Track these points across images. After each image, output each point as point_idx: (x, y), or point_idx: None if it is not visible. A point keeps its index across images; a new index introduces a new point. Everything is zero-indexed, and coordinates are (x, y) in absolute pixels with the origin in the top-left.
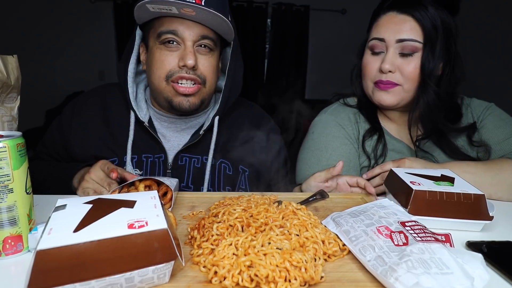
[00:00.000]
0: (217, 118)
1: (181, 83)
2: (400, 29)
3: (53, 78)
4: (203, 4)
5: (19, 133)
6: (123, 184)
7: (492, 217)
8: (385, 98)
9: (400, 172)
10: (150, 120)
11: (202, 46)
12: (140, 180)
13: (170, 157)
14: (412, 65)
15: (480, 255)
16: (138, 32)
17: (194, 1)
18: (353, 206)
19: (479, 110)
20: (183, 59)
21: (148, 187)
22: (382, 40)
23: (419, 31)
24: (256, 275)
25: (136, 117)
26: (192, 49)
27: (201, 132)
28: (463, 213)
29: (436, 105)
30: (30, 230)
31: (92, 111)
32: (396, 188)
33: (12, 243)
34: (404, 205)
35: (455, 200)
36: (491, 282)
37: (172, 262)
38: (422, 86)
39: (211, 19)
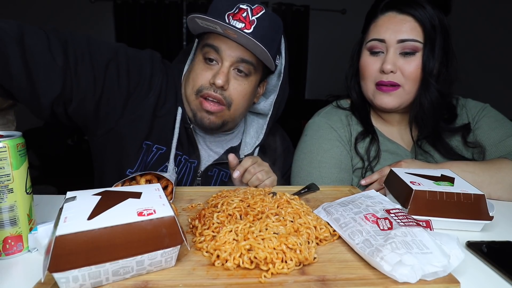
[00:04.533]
0: (257, 148)
1: (208, 98)
2: (400, 29)
3: None
4: (251, 30)
5: (19, 133)
6: (125, 179)
7: (492, 217)
8: (387, 101)
9: (400, 172)
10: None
11: (239, 70)
12: (141, 175)
13: (203, 165)
14: (414, 65)
15: (456, 237)
16: (197, 40)
17: (236, 26)
18: (342, 197)
19: (475, 111)
20: (214, 77)
21: (149, 182)
22: (382, 40)
23: (419, 31)
24: (256, 258)
25: (183, 115)
26: (227, 70)
27: (242, 156)
28: (463, 213)
29: (439, 103)
30: (30, 230)
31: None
32: (396, 188)
33: (12, 243)
34: (404, 205)
35: (455, 200)
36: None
37: (179, 246)
38: (425, 85)
39: (253, 46)
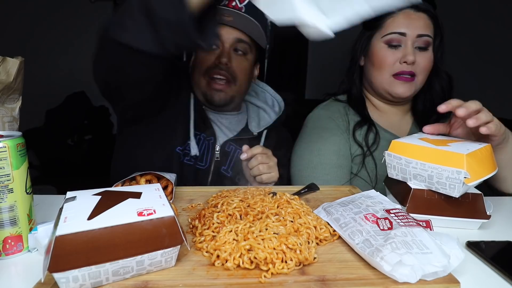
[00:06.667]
0: (265, 131)
1: (215, 77)
2: (418, 25)
3: (53, 78)
4: (243, 11)
5: (19, 133)
6: (125, 179)
7: (490, 215)
8: (403, 90)
9: None
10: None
11: (237, 49)
12: (141, 175)
13: (220, 141)
14: (427, 58)
15: (456, 237)
16: None
17: (232, 9)
18: (342, 197)
19: None
20: (219, 58)
21: (149, 182)
22: (403, 34)
23: (431, 28)
24: (255, 258)
25: (195, 99)
26: (228, 50)
27: (255, 133)
28: (461, 211)
29: (448, 87)
30: (30, 230)
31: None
32: (395, 187)
33: (12, 243)
34: (403, 203)
35: (453, 198)
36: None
37: (179, 246)
38: (436, 72)
39: (246, 25)
